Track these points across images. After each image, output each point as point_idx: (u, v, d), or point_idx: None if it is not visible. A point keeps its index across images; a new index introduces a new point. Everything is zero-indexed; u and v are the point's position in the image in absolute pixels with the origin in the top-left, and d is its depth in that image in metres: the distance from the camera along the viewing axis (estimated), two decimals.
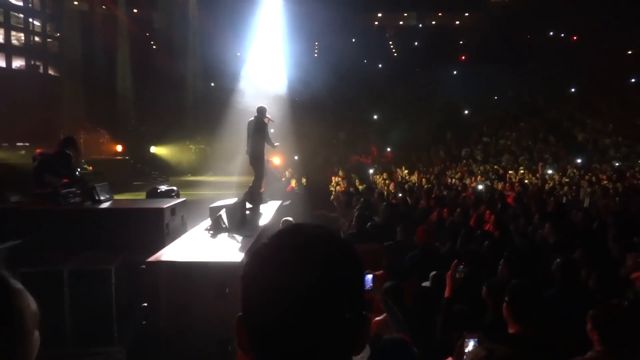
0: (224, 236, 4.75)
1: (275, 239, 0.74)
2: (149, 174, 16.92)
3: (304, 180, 12.40)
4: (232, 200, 5.83)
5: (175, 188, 6.99)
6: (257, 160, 6.29)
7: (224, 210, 5.11)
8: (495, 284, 2.81)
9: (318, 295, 0.67)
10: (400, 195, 8.88)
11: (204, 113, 19.39)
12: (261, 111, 6.22)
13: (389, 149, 18.67)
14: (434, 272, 3.28)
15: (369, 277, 2.73)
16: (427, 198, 7.59)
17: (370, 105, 21.59)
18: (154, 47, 20.27)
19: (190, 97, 19.65)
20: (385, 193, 9.37)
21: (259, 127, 6.14)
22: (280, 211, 6.94)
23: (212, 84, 20.79)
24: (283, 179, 12.14)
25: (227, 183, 14.45)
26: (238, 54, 19.78)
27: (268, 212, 6.35)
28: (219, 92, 18.43)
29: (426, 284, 3.31)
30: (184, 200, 5.87)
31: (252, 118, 6.26)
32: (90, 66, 17.22)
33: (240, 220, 5.23)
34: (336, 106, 21.26)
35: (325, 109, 20.66)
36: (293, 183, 11.60)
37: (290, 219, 5.24)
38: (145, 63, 18.79)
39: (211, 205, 5.54)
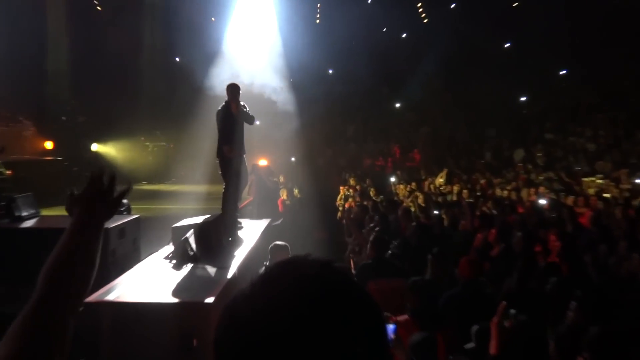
0: (191, 268, 4.78)
1: (260, 285, 0.72)
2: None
3: (296, 191, 12.47)
4: (203, 219, 5.84)
5: (125, 201, 7.02)
6: (224, 165, 6.29)
7: (191, 232, 5.11)
8: (565, 335, 2.78)
9: None
10: (433, 212, 8.92)
11: (165, 99, 19.49)
12: (230, 92, 6.24)
13: (416, 150, 18.75)
14: (477, 327, 3.15)
15: (390, 326, 2.71)
16: (470, 216, 7.61)
17: (391, 89, 21.76)
18: (98, 8, 20.19)
19: (147, 77, 19.70)
20: (412, 209, 9.38)
21: (225, 115, 6.21)
22: (268, 234, 7.00)
23: (177, 59, 20.87)
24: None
25: (196, 194, 14.50)
26: (213, 19, 19.75)
27: (252, 235, 6.40)
28: (186, 71, 18.54)
29: (470, 346, 3.19)
30: (137, 218, 5.88)
31: (222, 104, 6.31)
32: (8, 33, 16.07)
33: (213, 246, 5.24)
34: (345, 91, 21.51)
35: (331, 95, 20.89)
36: (283, 194, 11.67)
37: (282, 243, 5.24)
38: (85, 30, 18.74)
39: (174, 225, 5.55)
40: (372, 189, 12.40)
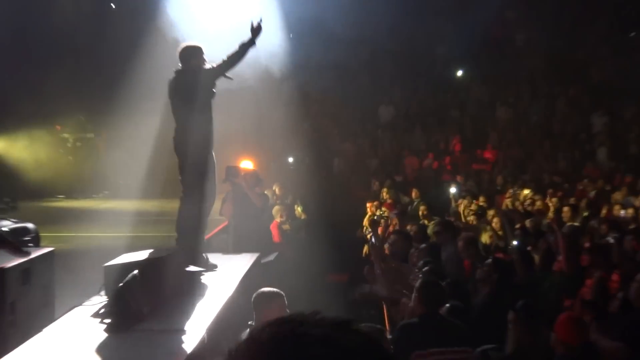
0: (135, 333, 4.80)
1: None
2: None
3: (299, 210, 12.46)
4: (151, 253, 5.87)
5: (31, 226, 7.08)
6: (188, 167, 6.54)
7: (134, 274, 5.14)
8: None
9: None
10: (514, 243, 8.88)
11: (94, 66, 19.63)
12: (189, 55, 6.59)
13: (489, 144, 18.70)
14: None
15: None
16: (571, 249, 7.55)
17: (451, 50, 21.72)
18: None
19: (66, 31, 19.83)
20: (482, 238, 9.24)
21: (187, 86, 6.49)
22: (255, 277, 7.01)
23: (113, 5, 21.06)
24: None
25: (141, 214, 14.53)
26: None
27: (227, 279, 6.44)
28: (126, 22, 18.67)
29: None
30: (50, 253, 5.92)
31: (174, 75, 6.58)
32: None
33: (167, 298, 5.26)
34: (377, 52, 21.46)
35: (353, 60, 20.89)
36: (278, 215, 11.71)
37: (272, 290, 5.24)
38: None
39: (108, 264, 5.58)
40: (421, 206, 12.36)
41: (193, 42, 6.82)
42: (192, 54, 6.59)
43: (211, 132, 6.72)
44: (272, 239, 10.72)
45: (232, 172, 9.97)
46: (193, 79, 6.54)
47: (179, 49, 6.74)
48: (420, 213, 11.97)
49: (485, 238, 10.28)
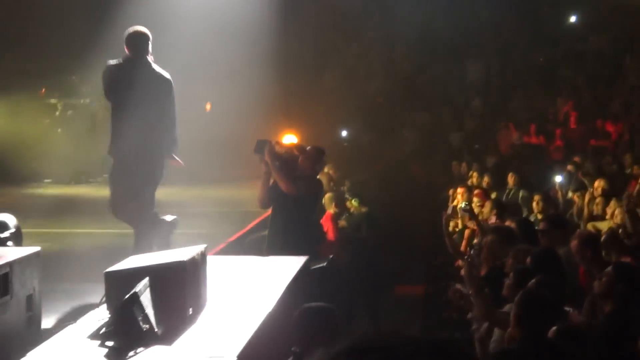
0: (145, 354, 4.84)
1: None
2: None
3: (353, 203, 12.39)
4: (165, 255, 5.91)
5: (10, 219, 7.18)
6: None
7: (144, 283, 5.18)
8: None
9: None
10: None
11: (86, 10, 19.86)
12: (138, 40, 8.03)
13: (613, 114, 18.43)
14: None
15: None
16: None
17: None
18: None
19: None
20: (599, 236, 9.11)
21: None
22: (301, 288, 7.02)
23: None
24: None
25: (163, 204, 14.66)
26: None
27: (265, 288, 6.49)
28: None
29: None
30: (36, 253, 5.99)
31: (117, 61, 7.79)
32: None
33: (186, 313, 5.27)
34: None
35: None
36: (330, 207, 11.67)
37: (323, 306, 5.24)
38: None
39: (109, 270, 5.64)
40: (521, 192, 12.20)
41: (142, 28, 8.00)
42: (139, 40, 8.04)
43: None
44: (324, 238, 10.65)
45: (260, 146, 9.95)
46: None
47: (127, 35, 8.18)
48: (534, 204, 11.79)
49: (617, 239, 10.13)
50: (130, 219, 9.10)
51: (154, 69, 8.82)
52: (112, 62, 8.80)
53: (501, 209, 11.40)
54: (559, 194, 13.01)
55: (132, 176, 8.81)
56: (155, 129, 8.87)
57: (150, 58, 8.82)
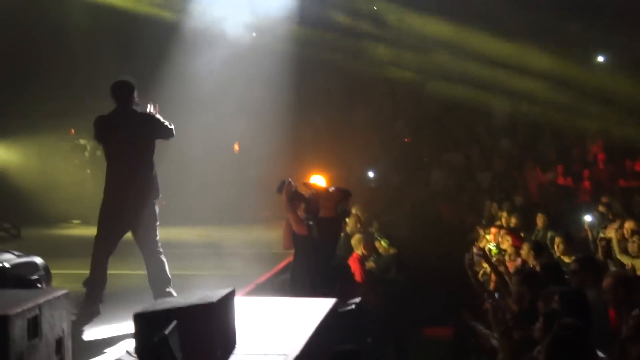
0: None
1: None
2: None
3: (383, 244, 12.32)
4: (197, 298, 5.90)
5: (39, 260, 7.17)
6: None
7: (172, 326, 5.16)
8: None
9: None
10: None
11: (116, 51, 20.01)
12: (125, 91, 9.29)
13: None
14: None
15: None
16: None
17: (587, 25, 21.43)
18: None
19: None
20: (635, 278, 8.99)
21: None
22: (330, 330, 6.97)
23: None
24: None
25: (182, 246, 14.63)
26: None
27: (293, 331, 6.46)
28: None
29: None
30: (65, 295, 5.98)
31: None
32: None
33: (217, 356, 5.24)
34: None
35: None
36: (358, 248, 11.60)
37: (350, 350, 5.19)
38: None
39: (139, 312, 5.61)
40: (549, 233, 12.08)
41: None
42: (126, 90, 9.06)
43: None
44: (352, 278, 10.58)
45: (281, 185, 9.97)
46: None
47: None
48: (555, 247, 11.70)
49: None
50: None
51: (138, 115, 9.58)
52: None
53: (539, 249, 11.26)
54: (589, 234, 12.89)
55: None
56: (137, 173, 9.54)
57: (136, 105, 9.66)
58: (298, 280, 9.61)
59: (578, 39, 21.67)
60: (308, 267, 9.60)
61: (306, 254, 9.69)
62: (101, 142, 9.79)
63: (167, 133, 9.69)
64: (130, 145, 9.42)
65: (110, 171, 9.66)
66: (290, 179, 9.89)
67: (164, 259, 9.65)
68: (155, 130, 9.58)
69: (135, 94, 9.66)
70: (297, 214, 9.72)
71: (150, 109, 9.65)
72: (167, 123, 9.65)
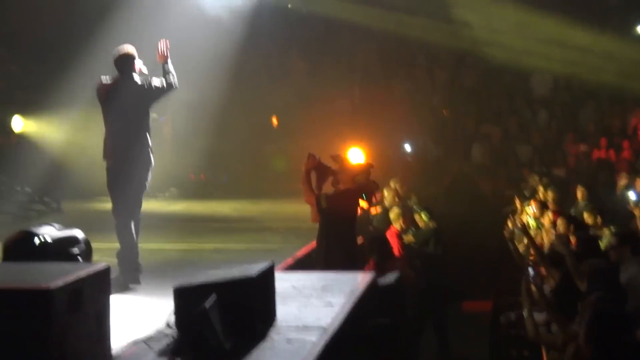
0: None
1: None
2: (8, 189, 17.97)
3: (423, 217, 12.20)
4: (237, 271, 5.90)
5: (80, 234, 7.21)
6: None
7: (212, 298, 5.17)
8: None
9: None
10: None
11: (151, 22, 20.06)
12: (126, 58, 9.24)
13: None
14: None
15: None
16: None
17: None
18: None
19: None
20: None
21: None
22: (368, 305, 6.95)
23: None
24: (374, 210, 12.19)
25: (221, 220, 14.78)
26: None
27: (331, 304, 6.44)
28: None
29: None
30: (106, 270, 6.00)
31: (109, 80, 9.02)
32: None
33: (257, 329, 5.24)
34: None
35: None
36: (397, 223, 11.57)
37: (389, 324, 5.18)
38: None
39: (178, 286, 5.63)
40: (586, 210, 11.99)
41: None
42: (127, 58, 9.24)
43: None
44: (391, 254, 10.55)
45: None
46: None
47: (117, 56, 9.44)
48: (588, 217, 11.61)
49: None
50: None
51: (137, 84, 9.64)
52: (104, 78, 9.79)
53: (575, 223, 11.14)
54: (637, 210, 12.68)
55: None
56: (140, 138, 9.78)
57: (136, 74, 9.68)
58: (319, 254, 9.70)
59: (617, 9, 21.46)
60: (327, 240, 9.67)
61: (323, 226, 9.78)
62: (103, 107, 10.05)
63: (166, 91, 9.90)
64: (132, 112, 9.69)
65: (113, 137, 9.93)
66: (312, 153, 9.94)
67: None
68: (155, 95, 9.88)
69: (137, 62, 9.72)
70: (309, 185, 9.86)
71: (161, 45, 9.76)
72: (172, 72, 9.78)
